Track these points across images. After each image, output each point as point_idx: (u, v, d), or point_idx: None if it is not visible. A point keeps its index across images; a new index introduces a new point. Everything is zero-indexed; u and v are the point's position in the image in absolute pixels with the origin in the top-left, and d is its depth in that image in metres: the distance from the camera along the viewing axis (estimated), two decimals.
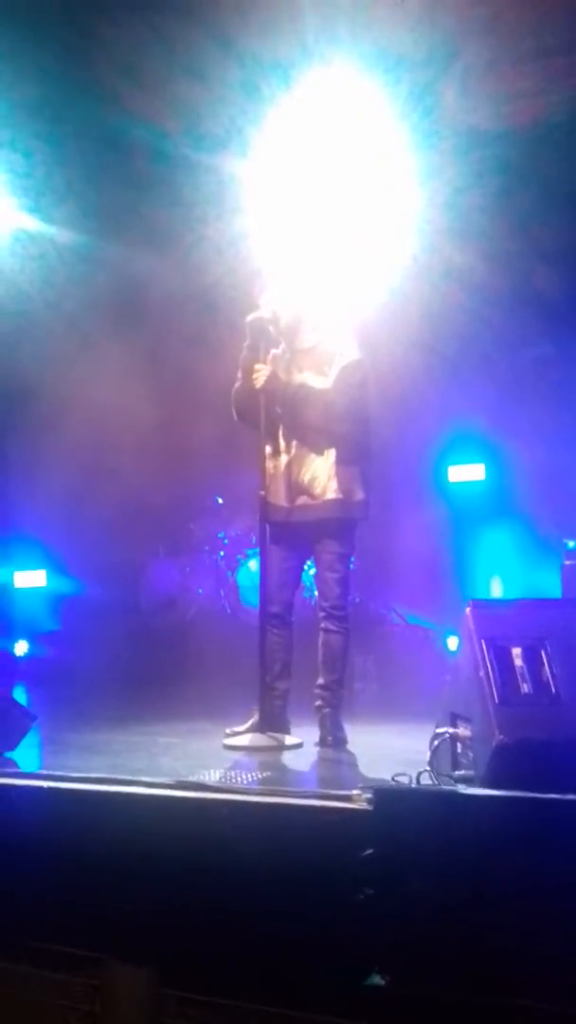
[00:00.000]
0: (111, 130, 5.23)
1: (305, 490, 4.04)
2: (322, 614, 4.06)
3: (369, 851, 2.23)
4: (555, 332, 6.60)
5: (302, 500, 4.05)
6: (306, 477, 4.04)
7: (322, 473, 4.00)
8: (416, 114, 4.88)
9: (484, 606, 2.85)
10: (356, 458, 4.03)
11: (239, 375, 4.19)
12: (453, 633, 5.72)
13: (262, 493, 4.10)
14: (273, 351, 4.12)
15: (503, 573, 7.21)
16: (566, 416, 6.68)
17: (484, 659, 2.65)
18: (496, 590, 7.13)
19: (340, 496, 3.98)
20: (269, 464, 4.12)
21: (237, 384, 4.21)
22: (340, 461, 3.99)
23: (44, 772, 3.19)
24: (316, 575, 4.20)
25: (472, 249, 5.46)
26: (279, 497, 4.08)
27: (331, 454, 4.00)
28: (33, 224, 5.70)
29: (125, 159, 5.48)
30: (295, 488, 4.06)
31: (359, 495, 4.03)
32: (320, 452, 4.02)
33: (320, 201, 4.69)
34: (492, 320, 6.09)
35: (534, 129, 4.94)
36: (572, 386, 6.79)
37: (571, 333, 6.59)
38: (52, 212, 5.69)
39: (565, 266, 5.89)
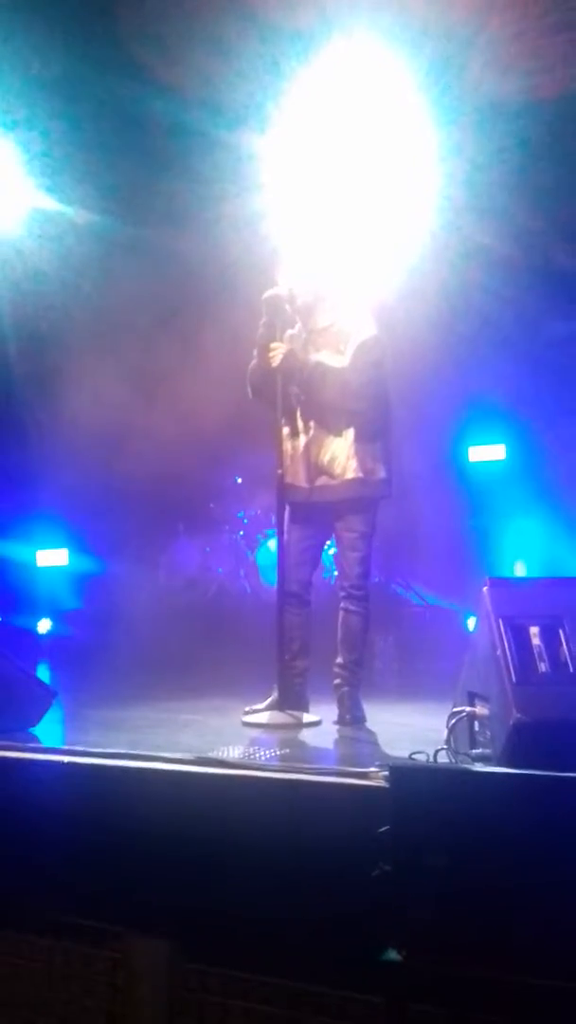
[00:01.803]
0: (129, 107, 5.21)
1: (325, 470, 4.03)
2: (342, 594, 4.06)
3: (385, 828, 2.24)
4: None
5: (322, 480, 4.04)
6: (326, 457, 4.03)
7: (341, 453, 3.99)
8: (437, 88, 4.82)
9: (501, 584, 2.85)
10: (375, 435, 4.01)
11: (255, 353, 4.18)
12: (474, 614, 5.71)
13: (280, 472, 4.09)
14: (289, 331, 4.10)
15: (525, 553, 7.18)
16: None
17: (501, 638, 2.65)
18: (519, 570, 7.10)
19: (361, 475, 3.97)
20: (287, 445, 4.10)
21: (253, 362, 4.19)
22: (359, 439, 3.97)
23: (66, 748, 3.23)
24: (336, 554, 4.19)
25: (493, 226, 5.40)
26: (299, 478, 4.07)
27: (350, 433, 3.98)
28: (51, 204, 5.69)
29: (143, 137, 5.46)
30: (315, 468, 4.04)
31: (380, 473, 4.01)
32: (339, 432, 4.00)
33: (339, 178, 4.66)
34: (513, 298, 6.03)
35: (557, 104, 4.87)
36: None
37: None
38: (70, 191, 5.68)
39: None
